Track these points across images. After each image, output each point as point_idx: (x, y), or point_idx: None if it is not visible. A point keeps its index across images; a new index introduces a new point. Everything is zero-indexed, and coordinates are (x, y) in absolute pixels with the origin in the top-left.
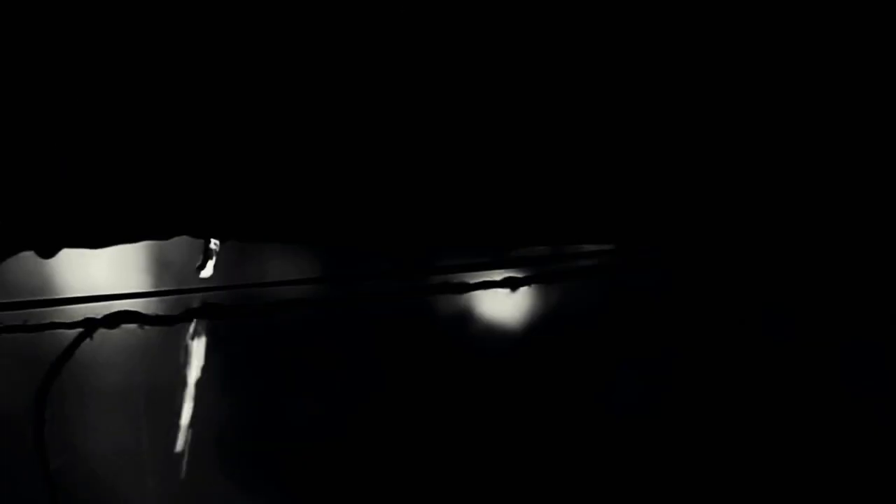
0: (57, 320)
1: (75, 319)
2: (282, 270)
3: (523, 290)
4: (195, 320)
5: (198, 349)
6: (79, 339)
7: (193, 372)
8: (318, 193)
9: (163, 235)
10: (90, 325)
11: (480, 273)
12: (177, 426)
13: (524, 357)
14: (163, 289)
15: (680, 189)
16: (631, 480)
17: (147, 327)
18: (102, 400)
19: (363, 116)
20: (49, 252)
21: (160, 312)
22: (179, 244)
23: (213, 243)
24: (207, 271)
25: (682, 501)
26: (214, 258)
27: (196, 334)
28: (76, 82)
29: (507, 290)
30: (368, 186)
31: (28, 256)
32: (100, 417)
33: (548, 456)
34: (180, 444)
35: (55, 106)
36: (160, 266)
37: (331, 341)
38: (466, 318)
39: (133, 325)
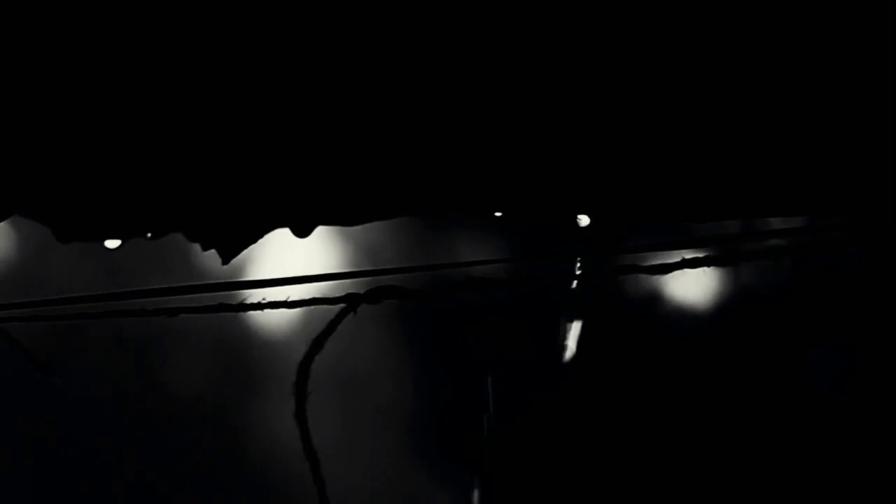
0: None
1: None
2: (494, 251)
3: (710, 269)
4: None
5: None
6: (342, 314)
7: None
8: (524, 169)
9: (417, 211)
10: (353, 300)
11: (668, 253)
12: (362, 410)
13: (712, 338)
14: (409, 265)
15: (875, 159)
16: (820, 461)
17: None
18: (288, 383)
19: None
20: (304, 230)
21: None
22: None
23: None
24: None
25: (873, 481)
26: None
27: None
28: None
29: (692, 270)
30: (556, 161)
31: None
32: (286, 400)
33: (738, 437)
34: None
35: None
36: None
37: (518, 322)
38: (653, 299)
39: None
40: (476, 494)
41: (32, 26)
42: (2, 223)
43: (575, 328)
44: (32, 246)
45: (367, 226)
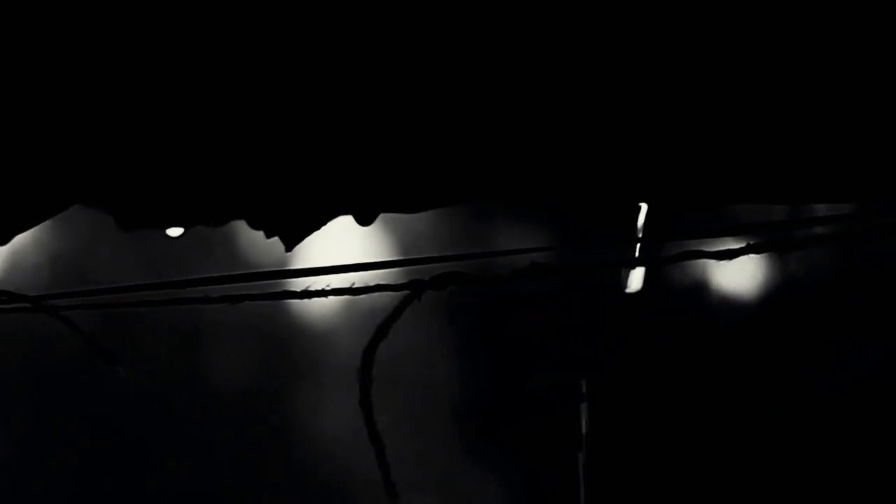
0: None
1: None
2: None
3: (756, 257)
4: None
5: None
6: (406, 301)
7: None
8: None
9: (479, 199)
10: (417, 286)
11: (712, 241)
12: (408, 399)
13: (757, 327)
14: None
15: None
16: (862, 452)
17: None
18: (334, 374)
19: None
20: (367, 218)
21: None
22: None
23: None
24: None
25: None
26: None
27: None
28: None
29: (741, 258)
30: (610, 148)
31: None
32: (332, 391)
33: (781, 428)
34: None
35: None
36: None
37: (564, 312)
38: (699, 287)
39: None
40: (524, 485)
41: (92, 17)
42: (63, 213)
43: (624, 316)
44: (93, 235)
45: (410, 217)
